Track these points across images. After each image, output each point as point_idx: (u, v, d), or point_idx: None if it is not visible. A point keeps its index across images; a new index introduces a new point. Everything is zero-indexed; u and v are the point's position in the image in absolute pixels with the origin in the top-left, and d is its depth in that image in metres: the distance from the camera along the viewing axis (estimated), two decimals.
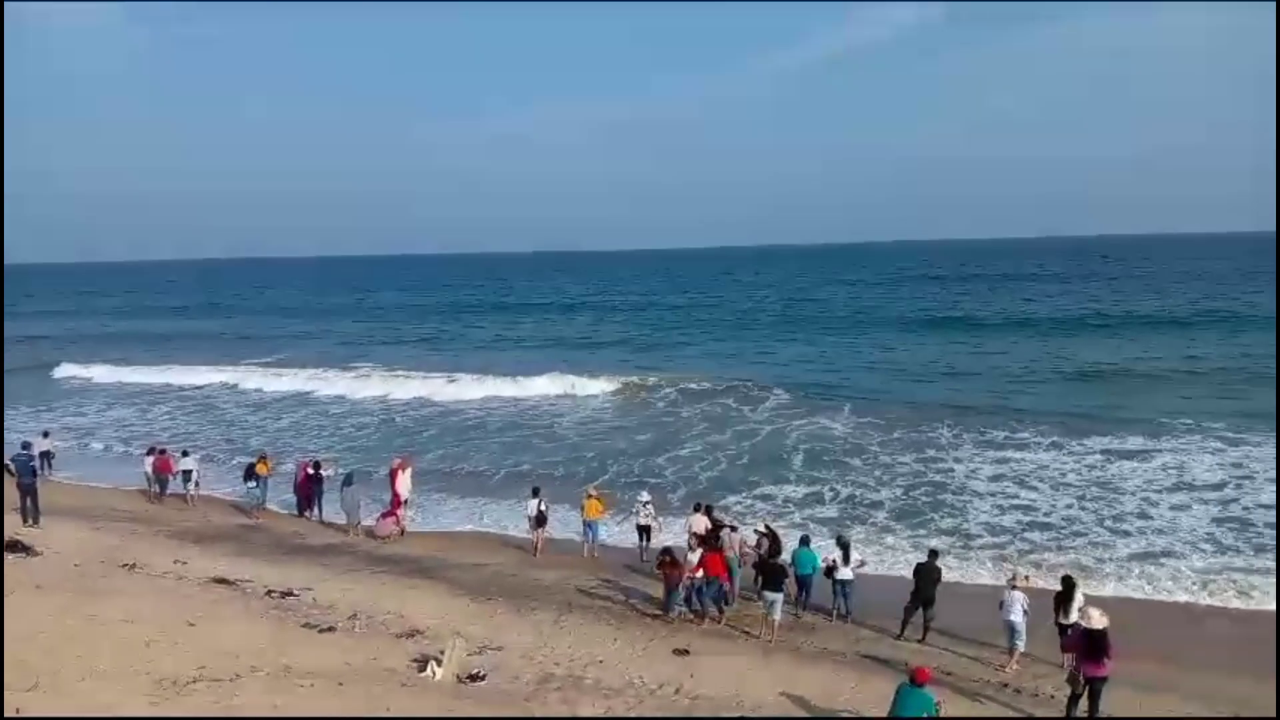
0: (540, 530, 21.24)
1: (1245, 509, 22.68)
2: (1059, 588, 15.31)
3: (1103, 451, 28.19)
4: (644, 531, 20.86)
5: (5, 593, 13.56)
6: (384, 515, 23.04)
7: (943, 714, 11.27)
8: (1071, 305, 78.90)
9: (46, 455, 28.24)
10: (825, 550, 17.87)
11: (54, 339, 75.08)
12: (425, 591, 17.76)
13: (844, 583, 17.07)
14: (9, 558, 16.90)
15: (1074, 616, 14.23)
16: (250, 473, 25.12)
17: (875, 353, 55.04)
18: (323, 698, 11.76)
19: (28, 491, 21.08)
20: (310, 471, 24.85)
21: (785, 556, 17.52)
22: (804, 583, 17.30)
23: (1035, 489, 24.96)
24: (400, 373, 49.32)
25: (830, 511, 24.08)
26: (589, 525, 21.17)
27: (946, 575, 17.17)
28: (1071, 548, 20.75)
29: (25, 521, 20.50)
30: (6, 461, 21.50)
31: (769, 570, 16.51)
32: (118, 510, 24.51)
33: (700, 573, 16.69)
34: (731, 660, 14.81)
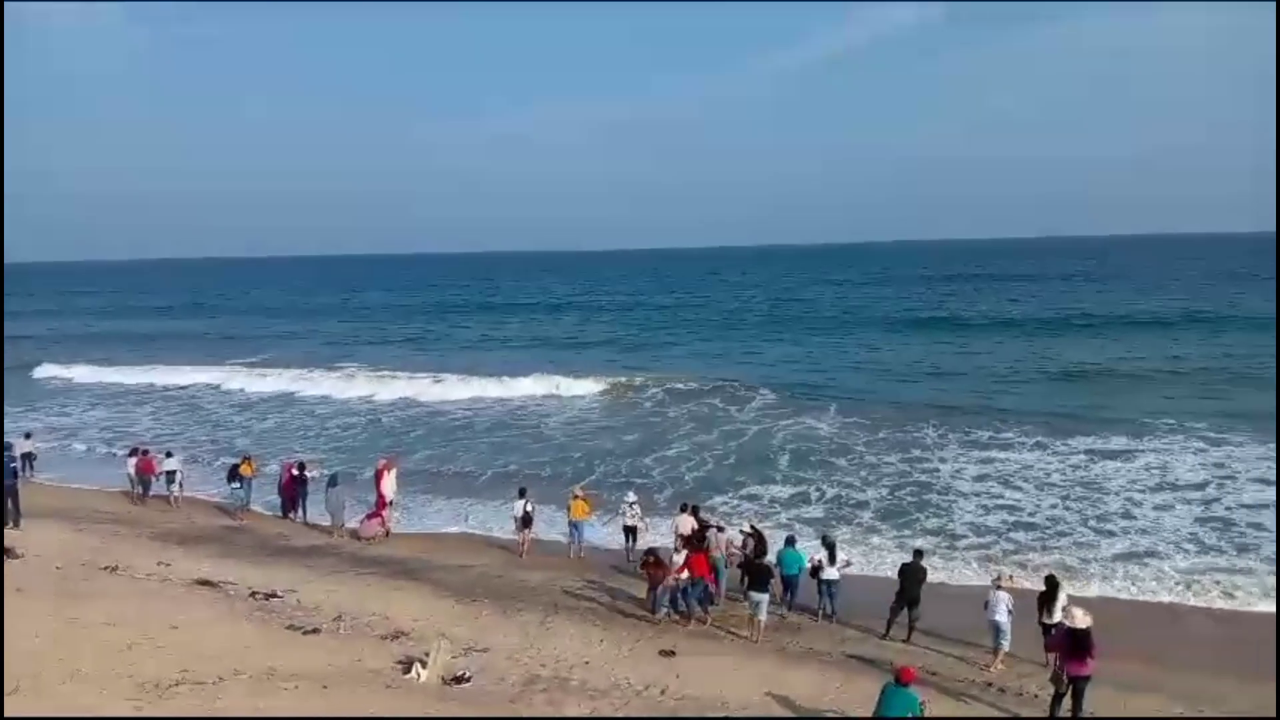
0: (526, 531, 21.19)
1: (1227, 509, 22.83)
2: (1043, 588, 15.38)
3: (1086, 451, 28.35)
4: (630, 532, 20.84)
5: None
6: (369, 516, 22.95)
7: (927, 713, 11.30)
8: (1056, 305, 79.35)
9: (28, 456, 28.06)
10: (811, 550, 17.88)
11: (36, 339, 74.46)
12: (410, 593, 17.70)
13: (829, 583, 17.09)
14: None
15: (1058, 616, 14.29)
16: (234, 474, 24.97)
17: (861, 353, 55.21)
18: (307, 700, 11.71)
19: (9, 493, 20.96)
20: (295, 472, 24.72)
21: (771, 557, 17.55)
22: (789, 583, 17.32)
23: (1020, 489, 25.08)
24: (386, 373, 49.16)
25: (816, 512, 24.12)
26: (575, 526, 21.13)
27: (932, 575, 17.22)
28: (1056, 548, 20.84)
29: (6, 524, 20.34)
30: None
31: (755, 570, 16.53)
32: (100, 512, 24.33)
33: (685, 574, 16.70)
34: (717, 661, 14.82)
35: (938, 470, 27.15)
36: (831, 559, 17.15)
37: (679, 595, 16.82)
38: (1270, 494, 23.67)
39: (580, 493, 21.85)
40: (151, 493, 26.15)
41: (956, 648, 15.69)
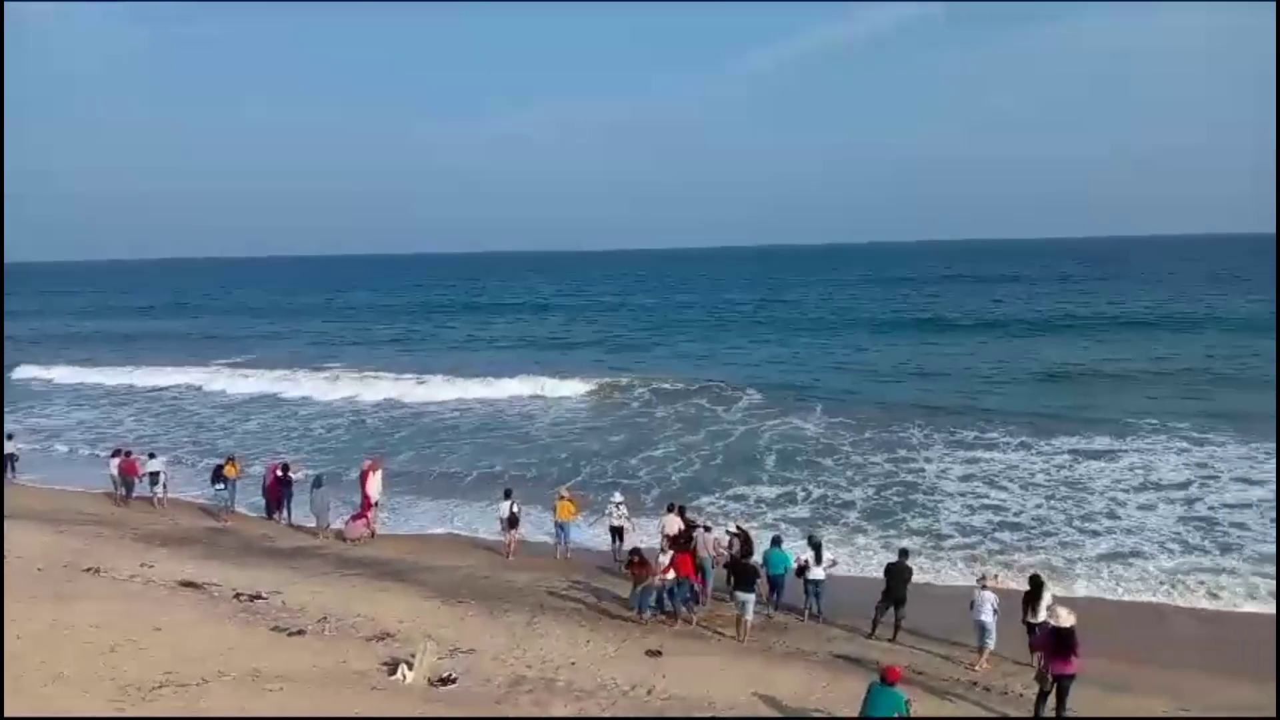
0: (513, 532, 21.14)
1: (1210, 508, 23.00)
2: (1027, 587, 15.45)
3: (1071, 451, 28.51)
4: (617, 532, 20.84)
5: None
6: (354, 517, 22.85)
7: (913, 712, 11.33)
8: (1041, 306, 79.92)
9: (10, 458, 27.83)
10: (798, 550, 17.91)
11: (15, 339, 73.72)
12: (396, 594, 17.62)
13: (816, 583, 17.11)
14: None
15: (1042, 615, 14.35)
16: (218, 475, 24.82)
17: (847, 353, 55.36)
18: (291, 702, 11.64)
19: None
20: (279, 474, 24.58)
21: (757, 557, 17.57)
22: (775, 583, 17.34)
23: (1005, 489, 25.19)
24: (370, 374, 48.97)
25: (802, 512, 24.17)
26: (561, 527, 21.09)
27: (918, 575, 17.29)
28: (1041, 548, 20.94)
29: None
30: None
31: (741, 571, 16.54)
32: (83, 513, 24.14)
33: (671, 574, 16.69)
34: (704, 661, 14.82)
35: (923, 470, 27.24)
36: (818, 559, 17.18)
37: (665, 595, 16.82)
38: (1253, 493, 23.90)
39: (566, 493, 21.82)
40: (135, 494, 25.96)
41: (942, 647, 15.74)
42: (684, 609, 16.87)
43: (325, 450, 33.28)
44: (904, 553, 17.21)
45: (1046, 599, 14.76)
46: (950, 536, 21.88)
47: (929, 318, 74.05)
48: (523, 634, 15.61)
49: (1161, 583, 18.76)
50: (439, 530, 23.80)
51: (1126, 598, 18.32)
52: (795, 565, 17.26)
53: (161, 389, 47.93)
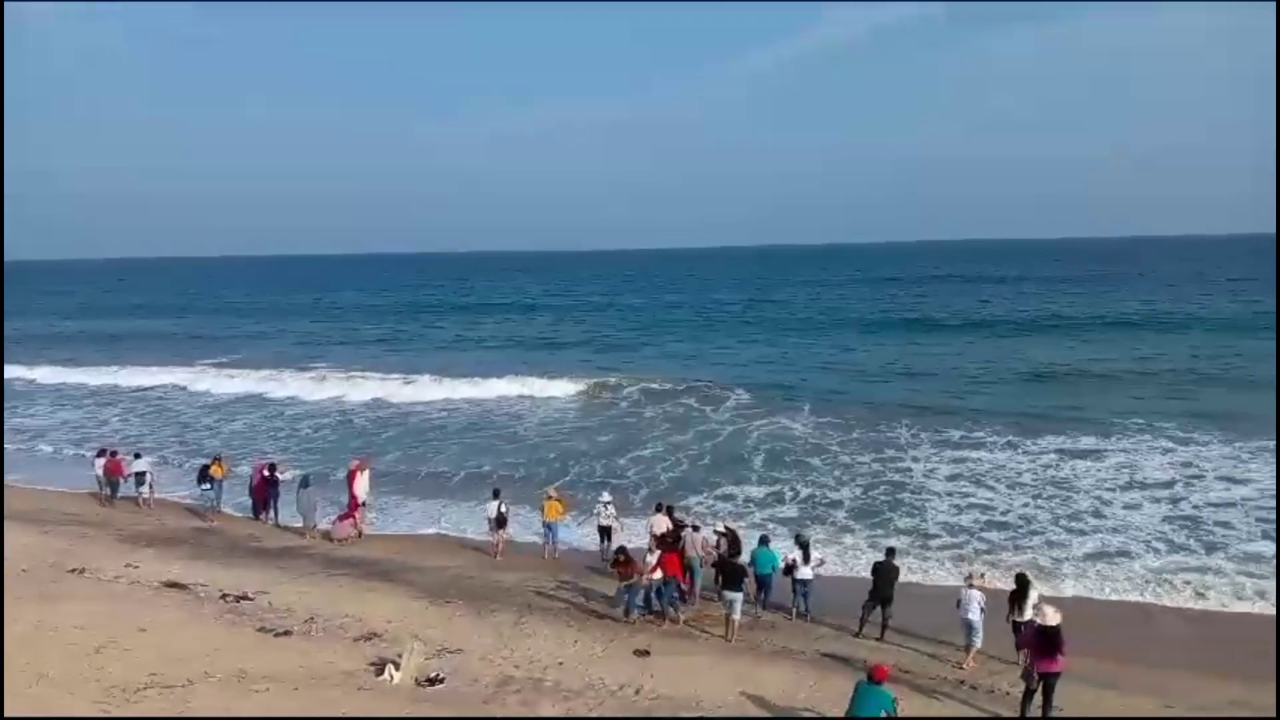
0: (501, 532, 21.10)
1: (1195, 507, 23.14)
2: (1013, 586, 15.51)
3: (1057, 451, 28.64)
4: (605, 532, 20.82)
5: None
6: (341, 518, 22.77)
7: (900, 711, 11.36)
8: (1028, 307, 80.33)
9: None
10: (785, 550, 17.92)
11: None
12: (383, 594, 17.58)
13: (803, 582, 17.15)
14: None
15: (1029, 614, 14.41)
16: (204, 475, 24.72)
17: (834, 353, 55.48)
18: (278, 702, 11.60)
19: None
20: (266, 474, 24.46)
21: (744, 556, 17.58)
22: (763, 582, 17.35)
23: (992, 488, 25.29)
24: (357, 374, 48.79)
25: (790, 511, 24.20)
26: (549, 527, 21.08)
27: (905, 574, 17.37)
28: (1028, 547, 21.02)
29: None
30: None
31: (729, 570, 16.55)
32: (67, 514, 23.99)
33: (658, 574, 16.69)
34: (692, 660, 14.84)
35: (911, 470, 27.33)
36: (806, 558, 17.22)
37: (652, 595, 16.83)
38: (1236, 492, 24.07)
39: (554, 493, 21.80)
40: (120, 494, 25.81)
41: (929, 645, 15.79)
42: (671, 609, 16.88)
43: (312, 450, 33.16)
44: (891, 552, 17.28)
45: (1033, 598, 14.81)
46: (937, 536, 21.95)
47: (916, 318, 74.35)
48: (510, 634, 15.59)
49: (1148, 581, 18.86)
50: (427, 530, 23.74)
51: (1113, 597, 18.41)
52: (783, 564, 17.29)
53: (147, 389, 47.64)
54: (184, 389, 47.32)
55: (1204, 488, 24.60)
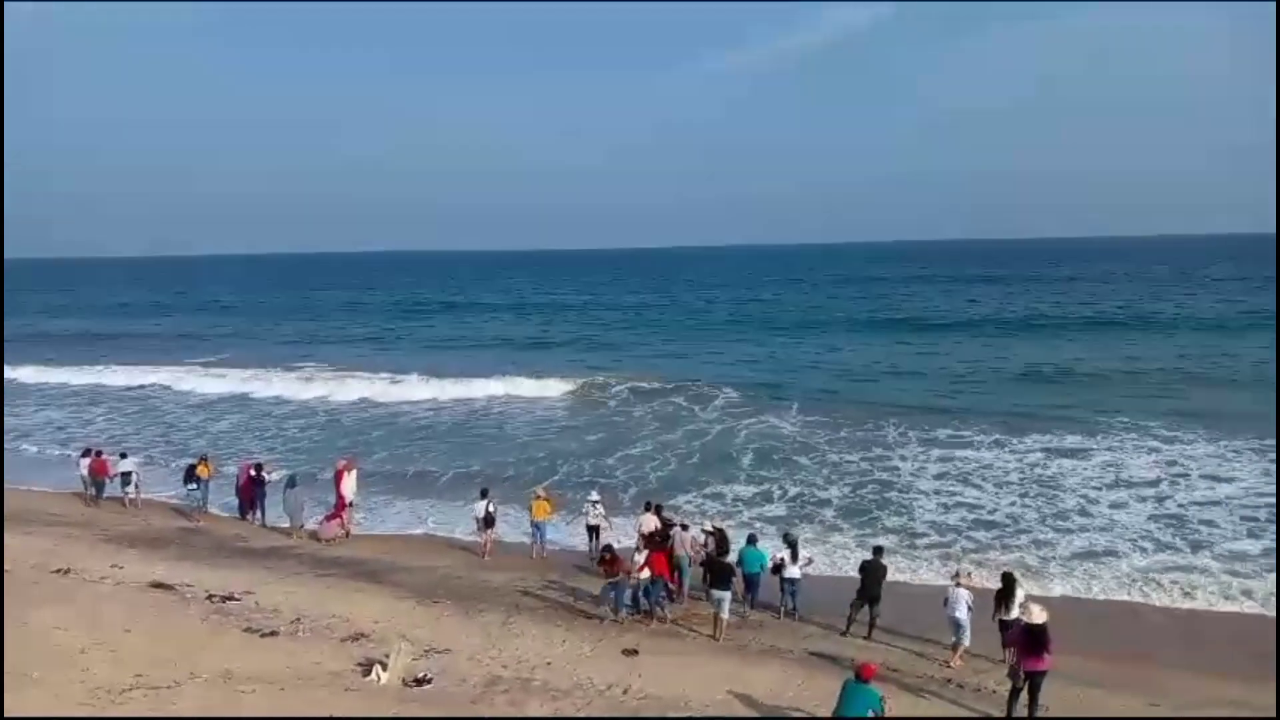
0: (489, 532, 21.07)
1: (1180, 506, 23.29)
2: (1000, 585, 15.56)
3: (1044, 450, 28.77)
4: (593, 531, 20.82)
5: None
6: (328, 518, 22.70)
7: (888, 709, 11.38)
8: (1015, 306, 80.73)
9: None
10: (773, 549, 17.94)
11: None
12: (371, 595, 17.52)
13: (791, 580, 17.17)
14: None
15: (1015, 613, 14.46)
16: (191, 475, 24.62)
17: (822, 353, 55.63)
18: (264, 703, 11.55)
19: None
20: (252, 473, 24.34)
21: (733, 555, 17.59)
22: (751, 581, 17.37)
23: (979, 487, 25.37)
24: (345, 373, 48.66)
25: (779, 510, 24.24)
26: (537, 526, 21.06)
27: (892, 573, 17.37)
28: (1016, 546, 21.10)
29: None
30: None
31: (717, 569, 16.56)
32: (52, 514, 23.81)
33: (645, 573, 16.69)
34: (680, 659, 14.83)
35: (898, 469, 27.40)
36: (794, 557, 17.24)
37: (640, 594, 16.82)
38: (1221, 491, 24.24)
39: (542, 493, 21.80)
40: (106, 495, 25.64)
41: (916, 644, 15.83)
42: (659, 608, 16.88)
43: (299, 450, 33.04)
44: (879, 550, 17.30)
45: (1019, 596, 14.86)
46: (925, 534, 22.02)
47: (903, 318, 74.58)
48: (498, 634, 15.56)
49: (1134, 580, 18.96)
50: (414, 530, 23.68)
51: (1100, 596, 18.49)
52: (771, 563, 17.31)
53: (132, 388, 47.37)
54: (169, 388, 47.06)
55: (1189, 486, 24.76)
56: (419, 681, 12.92)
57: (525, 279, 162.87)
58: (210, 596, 16.52)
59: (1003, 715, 13.09)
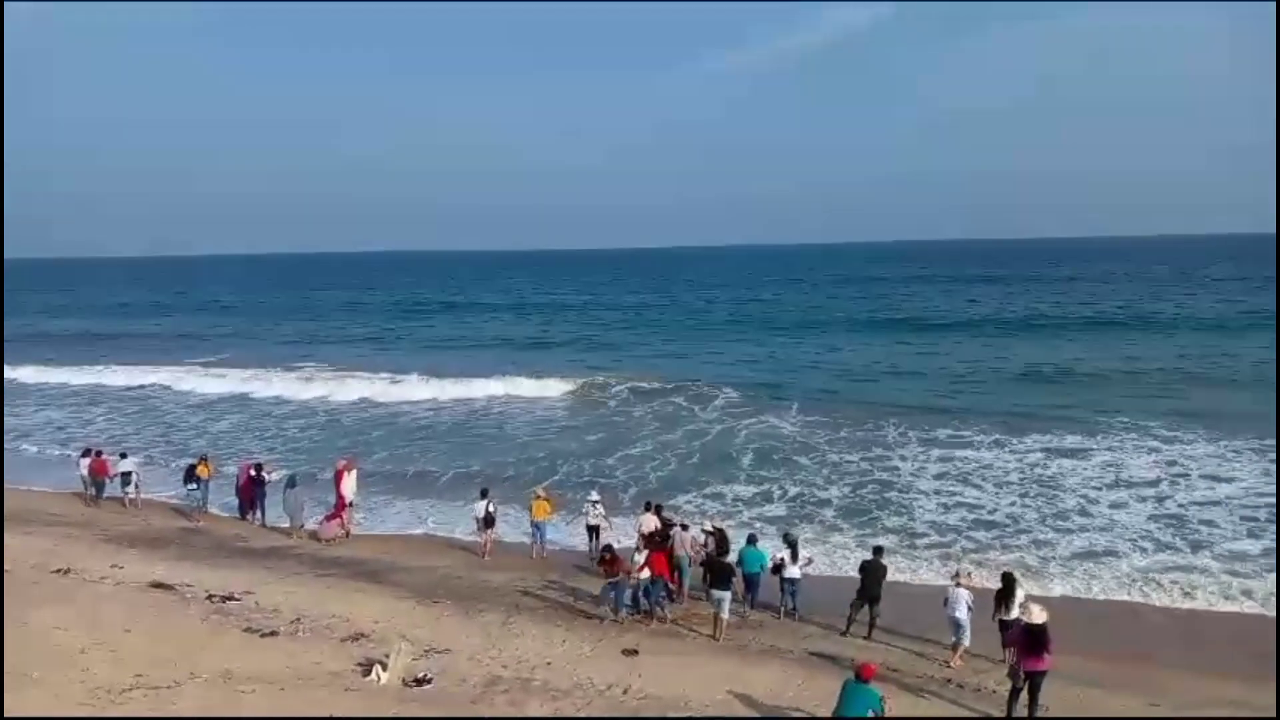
0: (489, 532, 21.07)
1: (1180, 506, 23.29)
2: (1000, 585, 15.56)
3: (1044, 450, 28.76)
4: (593, 531, 20.82)
5: None
6: (328, 518, 22.70)
7: (888, 709, 11.38)
8: (1015, 307, 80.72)
9: None
10: (773, 549, 17.94)
11: None
12: (371, 595, 17.52)
13: (791, 580, 17.17)
14: None
15: (1015, 613, 14.46)
16: (191, 475, 24.61)
17: (822, 353, 55.63)
18: (265, 703, 11.55)
19: None
20: (252, 473, 24.34)
21: (732, 556, 17.59)
22: (751, 581, 17.37)
23: (979, 487, 25.37)
24: (345, 373, 48.65)
25: (779, 510, 24.24)
26: (537, 526, 21.06)
27: (893, 573, 17.37)
28: (1016, 546, 21.10)
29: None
30: None
31: (717, 569, 16.56)
32: (52, 514, 23.80)
33: (645, 573, 16.68)
34: (680, 659, 14.83)
35: (898, 469, 27.40)
36: (794, 557, 17.24)
37: (640, 594, 16.82)
38: (1221, 490, 24.25)
39: (542, 493, 21.80)
40: (106, 495, 25.63)
41: (916, 644, 15.83)
42: (659, 608, 16.88)
43: (299, 450, 33.04)
44: (879, 550, 17.30)
45: (1019, 596, 14.86)
46: (925, 534, 22.02)
47: (903, 318, 74.59)
48: (498, 634, 15.55)
49: (1135, 580, 18.95)
50: (414, 530, 23.68)
51: (1101, 596, 18.49)
52: (771, 563, 17.31)
53: (132, 388, 47.35)
54: (169, 388, 47.05)
55: (1189, 486, 24.76)
56: (419, 681, 12.91)
57: (525, 279, 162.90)
58: (210, 596, 16.51)
59: (1003, 715, 13.09)
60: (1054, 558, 20.32)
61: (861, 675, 11.32)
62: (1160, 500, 23.72)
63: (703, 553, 17.89)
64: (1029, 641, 12.82)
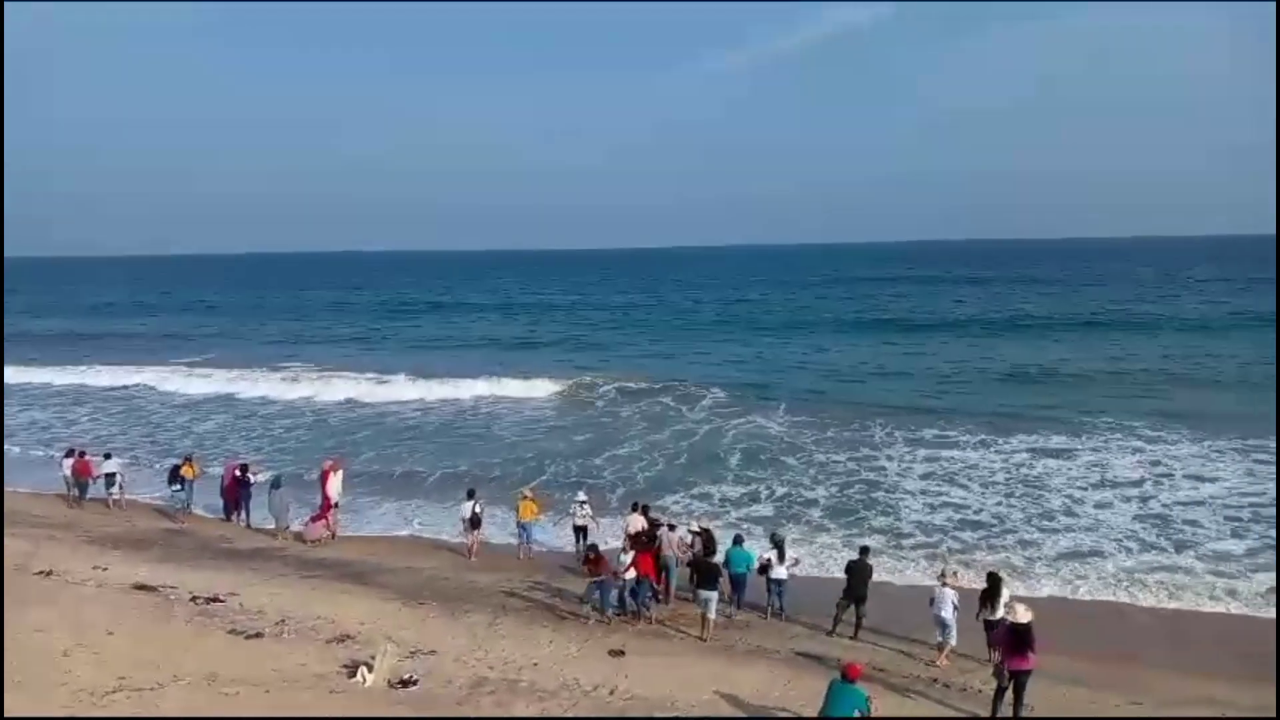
0: (475, 533, 21.02)
1: (1164, 505, 23.43)
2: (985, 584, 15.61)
3: (1029, 450, 28.89)
4: (581, 532, 20.81)
5: None
6: (314, 519, 22.59)
7: (874, 709, 11.41)
8: (1000, 307, 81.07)
9: None
10: (760, 549, 17.96)
11: None
12: (356, 596, 17.46)
13: (778, 581, 17.20)
14: None
15: (1000, 612, 14.52)
16: (175, 476, 24.45)
17: (809, 353, 55.73)
18: (249, 705, 11.49)
19: None
20: (237, 474, 24.21)
21: (719, 556, 17.59)
22: (737, 581, 17.38)
23: (965, 487, 25.46)
24: (332, 373, 48.41)
25: (766, 510, 24.27)
26: (523, 527, 21.01)
27: (879, 573, 17.41)
28: (1002, 546, 21.18)
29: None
30: None
31: (704, 569, 16.57)
32: (34, 515, 23.61)
33: (631, 573, 16.67)
34: (666, 660, 14.83)
35: (885, 469, 27.47)
36: (780, 557, 17.26)
37: (626, 595, 16.81)
38: (1204, 490, 24.42)
39: (529, 493, 21.75)
40: (89, 496, 25.43)
41: (903, 644, 15.88)
42: (645, 608, 16.87)
43: (285, 450, 32.88)
44: (865, 551, 17.34)
45: (1004, 596, 14.93)
46: (911, 535, 22.08)
47: (890, 318, 74.82)
48: (484, 635, 15.52)
49: (1120, 580, 19.05)
50: (400, 531, 23.59)
51: (1086, 596, 18.57)
52: (758, 564, 17.33)
53: (117, 388, 47.01)
54: (154, 388, 46.72)
55: (1173, 486, 24.92)
56: (405, 683, 12.88)
57: (513, 279, 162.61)
58: (194, 598, 16.42)
59: (988, 715, 13.14)
60: (1040, 558, 20.41)
61: (848, 675, 11.35)
62: (1145, 500, 23.86)
63: (689, 553, 17.90)
64: (1014, 641, 12.87)
